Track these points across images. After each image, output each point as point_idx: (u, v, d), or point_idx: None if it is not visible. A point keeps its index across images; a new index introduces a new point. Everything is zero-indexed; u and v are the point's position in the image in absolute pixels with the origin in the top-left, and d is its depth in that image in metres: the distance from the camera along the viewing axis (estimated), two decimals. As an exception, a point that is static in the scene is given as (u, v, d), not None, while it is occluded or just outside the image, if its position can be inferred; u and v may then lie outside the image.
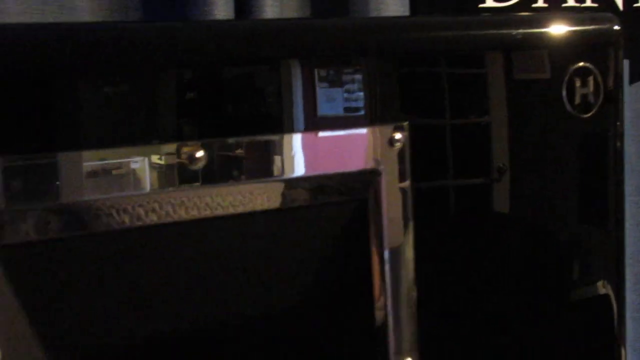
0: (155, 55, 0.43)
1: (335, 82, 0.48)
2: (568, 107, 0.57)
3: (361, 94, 0.49)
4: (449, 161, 0.53)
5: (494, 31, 0.57)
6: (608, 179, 0.61)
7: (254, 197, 0.45)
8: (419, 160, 0.51)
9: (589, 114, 0.58)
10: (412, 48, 0.52)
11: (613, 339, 0.64)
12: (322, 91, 0.47)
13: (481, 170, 0.55)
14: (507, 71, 0.56)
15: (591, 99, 0.57)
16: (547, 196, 0.59)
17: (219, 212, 0.43)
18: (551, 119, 0.57)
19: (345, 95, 0.49)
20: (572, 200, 0.61)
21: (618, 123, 0.59)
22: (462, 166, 0.54)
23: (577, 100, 0.57)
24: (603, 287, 0.65)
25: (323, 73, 0.47)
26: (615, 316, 0.64)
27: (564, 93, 0.57)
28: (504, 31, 0.57)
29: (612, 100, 0.57)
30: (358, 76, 0.49)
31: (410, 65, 0.52)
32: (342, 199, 0.48)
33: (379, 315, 0.50)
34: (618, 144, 0.61)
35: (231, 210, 0.43)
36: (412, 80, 0.52)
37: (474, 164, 0.55)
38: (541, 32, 0.57)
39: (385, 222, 0.49)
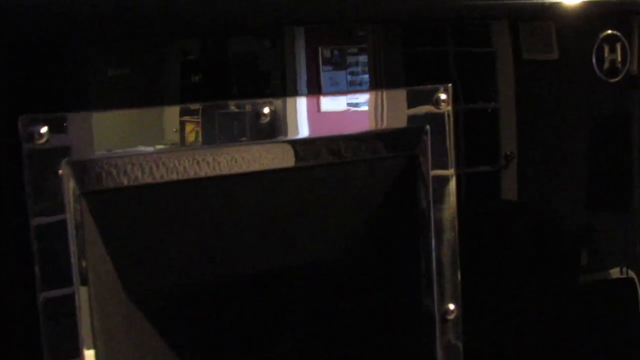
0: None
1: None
2: (597, 72, 0.60)
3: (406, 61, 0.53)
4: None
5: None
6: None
7: (319, 151, 0.48)
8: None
9: (616, 79, 0.61)
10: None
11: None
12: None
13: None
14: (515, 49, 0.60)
15: (619, 64, 0.61)
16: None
17: (288, 164, 0.47)
18: (581, 85, 0.61)
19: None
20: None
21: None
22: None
23: (606, 65, 0.61)
24: (620, 273, 0.69)
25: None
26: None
27: (594, 60, 0.61)
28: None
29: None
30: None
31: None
32: (396, 154, 0.51)
33: (425, 265, 0.53)
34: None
35: (300, 164, 0.47)
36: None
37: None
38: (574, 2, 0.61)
39: (431, 176, 0.53)
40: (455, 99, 0.56)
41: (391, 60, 0.53)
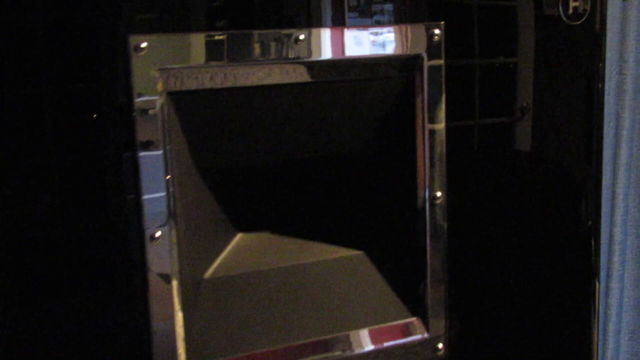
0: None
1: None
2: (563, 17, 0.76)
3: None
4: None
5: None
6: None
7: (340, 69, 0.65)
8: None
9: (579, 22, 0.77)
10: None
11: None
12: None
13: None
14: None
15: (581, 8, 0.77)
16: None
17: (317, 79, 0.63)
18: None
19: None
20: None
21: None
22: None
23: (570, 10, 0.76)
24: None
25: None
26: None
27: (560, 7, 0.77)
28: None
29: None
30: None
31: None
32: (398, 74, 0.67)
33: (419, 160, 0.70)
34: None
35: (325, 79, 0.64)
36: None
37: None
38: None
39: (426, 92, 0.69)
40: (474, 53, 0.72)
41: (417, 12, 0.69)
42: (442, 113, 0.69)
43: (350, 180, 0.69)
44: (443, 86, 0.69)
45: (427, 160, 0.69)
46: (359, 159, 0.68)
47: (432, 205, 0.69)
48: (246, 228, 0.68)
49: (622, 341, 1.83)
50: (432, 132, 0.69)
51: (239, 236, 0.68)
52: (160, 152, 0.59)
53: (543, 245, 0.77)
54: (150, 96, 0.58)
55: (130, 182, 0.60)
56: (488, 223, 0.74)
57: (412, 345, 0.70)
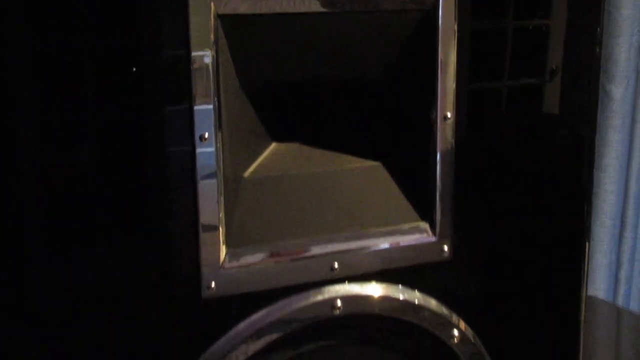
0: None
1: None
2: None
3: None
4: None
5: None
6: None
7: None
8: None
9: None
10: None
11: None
12: None
13: None
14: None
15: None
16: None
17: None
18: None
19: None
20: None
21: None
22: None
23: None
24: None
25: None
26: None
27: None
28: None
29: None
30: None
31: None
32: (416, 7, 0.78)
33: (430, 81, 0.80)
34: None
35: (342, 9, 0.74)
36: None
37: None
38: None
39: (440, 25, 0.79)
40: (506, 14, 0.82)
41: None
42: (454, 46, 0.79)
43: (371, 100, 0.80)
44: (455, 19, 0.79)
45: (440, 84, 0.79)
46: (381, 81, 0.78)
47: (443, 123, 0.80)
48: (280, 138, 0.80)
49: (634, 289, 1.92)
50: (445, 63, 0.80)
51: (273, 145, 0.79)
52: (210, 69, 0.70)
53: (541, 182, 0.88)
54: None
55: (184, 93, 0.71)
56: (491, 141, 0.84)
57: (421, 246, 0.81)
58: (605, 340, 1.35)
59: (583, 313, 0.95)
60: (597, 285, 1.87)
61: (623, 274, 1.93)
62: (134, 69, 0.69)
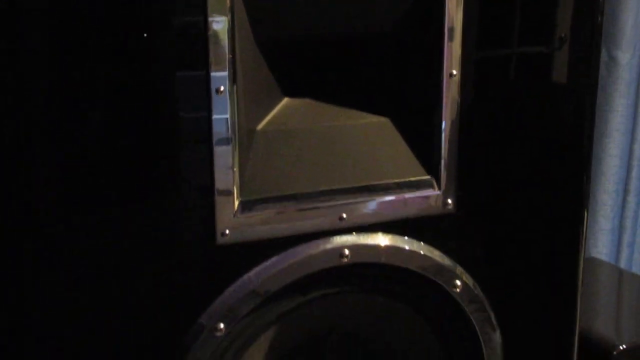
0: None
1: None
2: None
3: None
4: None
5: None
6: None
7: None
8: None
9: None
10: None
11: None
12: None
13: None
14: None
15: None
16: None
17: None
18: None
19: None
20: None
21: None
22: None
23: None
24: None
25: None
26: None
27: None
28: None
29: None
30: None
31: None
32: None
33: (436, 39, 0.83)
34: None
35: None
36: None
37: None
38: None
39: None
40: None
41: None
42: (461, 3, 0.82)
43: (380, 57, 0.83)
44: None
45: (447, 42, 0.82)
46: (390, 38, 0.81)
47: (449, 80, 0.83)
48: (291, 94, 0.83)
49: (636, 254, 1.95)
50: (452, 22, 0.82)
51: (285, 100, 0.83)
52: (226, 25, 0.74)
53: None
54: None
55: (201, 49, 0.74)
56: (496, 99, 0.87)
57: (426, 199, 0.85)
58: (606, 300, 1.39)
59: (582, 266, 0.99)
60: (600, 250, 1.90)
61: (626, 238, 1.96)
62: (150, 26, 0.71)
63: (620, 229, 1.94)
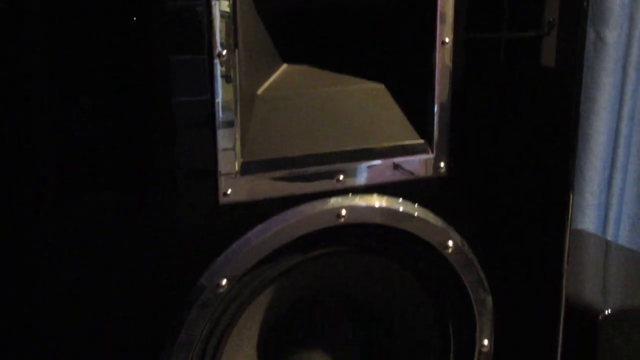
0: None
1: None
2: None
3: None
4: None
5: None
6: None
7: None
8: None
9: None
10: None
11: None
12: None
13: None
14: None
15: None
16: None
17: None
18: None
19: None
20: None
21: None
22: None
23: None
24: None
25: None
26: None
27: None
28: None
29: None
30: None
31: None
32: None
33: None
34: None
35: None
36: None
37: None
38: None
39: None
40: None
41: None
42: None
43: (377, 26, 0.87)
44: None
45: (439, 10, 0.86)
46: (385, 6, 0.85)
47: (442, 48, 0.86)
48: (290, 60, 0.86)
49: (622, 230, 2.00)
50: None
51: (284, 66, 0.86)
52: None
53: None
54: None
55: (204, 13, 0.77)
56: (487, 65, 0.91)
57: (419, 162, 0.89)
58: (592, 269, 1.43)
59: (569, 232, 1.02)
60: (587, 225, 1.94)
61: (612, 214, 2.01)
62: None
63: (606, 205, 1.98)
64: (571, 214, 1.03)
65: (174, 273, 0.81)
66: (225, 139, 0.79)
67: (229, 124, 0.78)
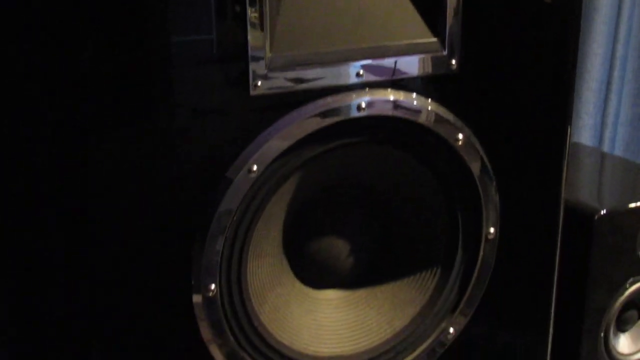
0: None
1: None
2: None
3: None
4: None
5: None
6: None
7: None
8: None
9: None
10: None
11: None
12: None
13: None
14: None
15: None
16: None
17: None
18: None
19: None
20: None
21: None
22: None
23: None
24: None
25: None
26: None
27: None
28: None
29: None
30: None
31: None
32: None
33: None
34: None
35: None
36: None
37: None
38: None
39: None
40: None
41: None
42: None
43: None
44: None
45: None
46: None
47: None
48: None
49: (617, 152, 2.08)
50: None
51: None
52: None
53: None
54: None
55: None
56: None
57: (433, 59, 0.96)
58: (589, 176, 1.52)
59: (569, 137, 1.10)
60: (583, 145, 2.02)
61: (607, 134, 2.09)
62: None
63: (602, 125, 2.06)
64: (571, 113, 1.11)
65: (210, 160, 0.88)
66: (255, 36, 0.86)
67: (259, 22, 0.85)
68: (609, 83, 1.98)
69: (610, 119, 2.03)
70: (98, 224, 0.86)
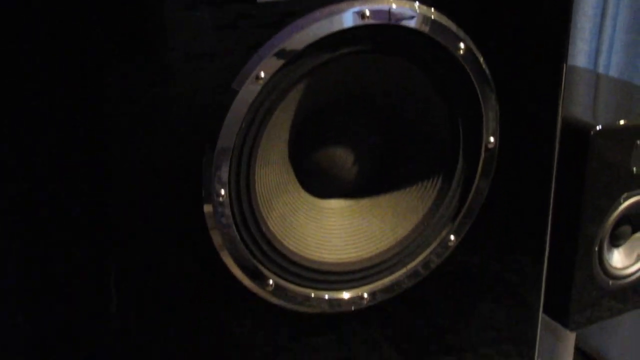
0: None
1: None
2: None
3: None
4: None
5: None
6: None
7: None
8: None
9: None
10: None
11: None
12: None
13: None
14: None
15: None
16: None
17: None
18: None
19: None
20: None
21: None
22: None
23: None
24: None
25: None
26: None
27: None
28: None
29: None
30: None
31: None
32: None
33: None
34: None
35: None
36: None
37: None
38: None
39: None
40: None
41: None
42: None
43: None
44: None
45: None
46: None
47: None
48: None
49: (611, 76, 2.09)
50: None
51: None
52: None
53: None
54: None
55: None
56: None
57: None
58: (585, 95, 1.54)
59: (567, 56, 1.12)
60: (577, 71, 2.04)
61: (601, 62, 2.11)
62: None
63: (597, 52, 2.08)
64: (569, 36, 1.13)
65: (220, 65, 0.90)
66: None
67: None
68: (603, 9, 1.99)
69: (604, 46, 2.05)
70: (112, 134, 0.88)
